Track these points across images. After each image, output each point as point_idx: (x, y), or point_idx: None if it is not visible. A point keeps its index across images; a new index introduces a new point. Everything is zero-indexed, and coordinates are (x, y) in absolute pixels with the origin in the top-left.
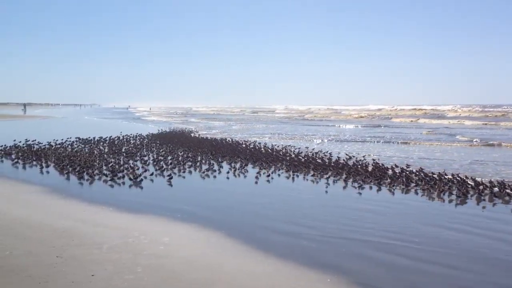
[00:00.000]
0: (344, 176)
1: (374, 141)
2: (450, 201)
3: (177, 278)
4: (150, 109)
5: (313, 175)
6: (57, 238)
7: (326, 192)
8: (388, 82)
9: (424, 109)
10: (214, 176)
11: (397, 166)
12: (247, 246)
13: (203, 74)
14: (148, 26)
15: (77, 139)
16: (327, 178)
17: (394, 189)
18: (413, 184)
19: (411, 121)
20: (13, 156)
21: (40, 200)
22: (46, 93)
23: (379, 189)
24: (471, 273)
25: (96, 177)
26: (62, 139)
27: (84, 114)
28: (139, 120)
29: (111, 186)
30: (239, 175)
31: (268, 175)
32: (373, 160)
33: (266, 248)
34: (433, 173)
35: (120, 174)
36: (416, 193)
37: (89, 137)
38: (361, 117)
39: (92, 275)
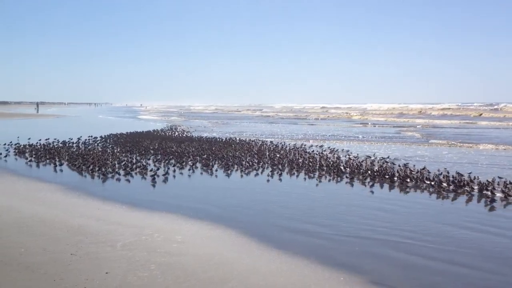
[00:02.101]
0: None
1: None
2: (465, 200)
3: (191, 276)
4: (146, 107)
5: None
6: (71, 235)
7: (338, 191)
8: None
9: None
10: (227, 175)
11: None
12: (261, 244)
13: (210, 74)
14: (160, 26)
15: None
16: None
17: (407, 188)
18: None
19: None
20: (27, 155)
21: (55, 198)
22: (59, 92)
23: (392, 188)
24: (486, 272)
25: (109, 175)
26: (71, 138)
27: (98, 113)
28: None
29: (125, 184)
30: (249, 174)
31: (280, 174)
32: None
33: (279, 246)
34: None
35: (132, 172)
36: (429, 192)
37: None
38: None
39: (107, 273)
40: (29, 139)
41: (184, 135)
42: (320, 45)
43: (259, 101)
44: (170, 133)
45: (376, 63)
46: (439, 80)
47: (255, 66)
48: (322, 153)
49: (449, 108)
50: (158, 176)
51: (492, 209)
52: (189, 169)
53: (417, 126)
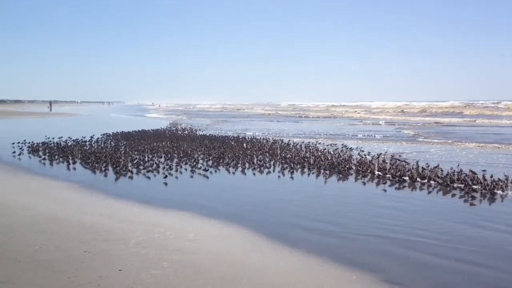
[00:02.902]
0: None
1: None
2: (474, 198)
3: (203, 274)
4: (159, 105)
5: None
6: (85, 233)
7: (349, 189)
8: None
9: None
10: (244, 173)
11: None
12: (273, 242)
13: (220, 72)
14: (171, 24)
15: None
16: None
17: (419, 187)
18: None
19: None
20: (40, 153)
21: (68, 196)
22: (72, 90)
23: (404, 186)
24: (500, 271)
25: (122, 173)
26: (84, 136)
27: (110, 112)
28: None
29: (137, 182)
30: (262, 171)
31: (292, 172)
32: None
33: (292, 245)
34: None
35: (144, 171)
36: (442, 190)
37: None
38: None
39: (120, 270)
40: (47, 137)
41: (196, 133)
42: (328, 44)
43: (267, 99)
44: (181, 133)
45: (385, 62)
46: (447, 78)
47: (265, 64)
48: (332, 152)
49: (452, 107)
50: (170, 174)
51: (505, 207)
52: (200, 167)
53: (416, 124)
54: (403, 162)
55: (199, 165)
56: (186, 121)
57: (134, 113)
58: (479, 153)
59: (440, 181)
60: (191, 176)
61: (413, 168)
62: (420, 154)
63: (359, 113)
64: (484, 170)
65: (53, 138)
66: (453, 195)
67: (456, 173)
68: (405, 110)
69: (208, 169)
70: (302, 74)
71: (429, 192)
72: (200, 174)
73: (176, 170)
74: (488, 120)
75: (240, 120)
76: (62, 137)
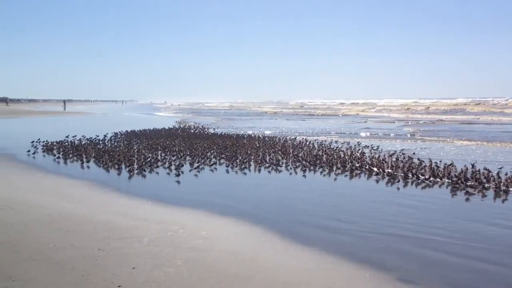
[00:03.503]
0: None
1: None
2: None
3: (216, 272)
4: (172, 104)
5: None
6: (99, 231)
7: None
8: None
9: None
10: (259, 171)
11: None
12: (286, 240)
13: (232, 70)
14: (182, 21)
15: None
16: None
17: (432, 185)
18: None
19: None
20: (54, 152)
21: (82, 194)
22: (85, 90)
23: (418, 184)
24: None
25: (135, 171)
26: (98, 135)
27: (123, 111)
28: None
29: (150, 180)
30: (277, 170)
31: (304, 170)
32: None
33: (304, 243)
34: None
35: (157, 169)
36: (455, 188)
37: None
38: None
39: (133, 268)
40: (66, 136)
41: (207, 132)
42: (338, 42)
43: (278, 98)
44: (194, 131)
45: (394, 60)
46: (456, 76)
47: (276, 63)
48: (345, 150)
49: (456, 104)
50: (183, 172)
51: None
52: (213, 166)
53: (419, 122)
54: (416, 160)
55: (211, 162)
56: (193, 120)
57: (147, 111)
58: (461, 150)
59: (455, 179)
60: (203, 174)
61: (426, 166)
62: (421, 151)
63: (365, 111)
64: (501, 167)
65: (74, 136)
66: (467, 193)
67: (467, 171)
68: (410, 108)
69: (215, 164)
70: (312, 72)
71: (443, 190)
72: (211, 171)
73: (193, 170)
74: (491, 118)
75: (247, 119)
76: (76, 135)
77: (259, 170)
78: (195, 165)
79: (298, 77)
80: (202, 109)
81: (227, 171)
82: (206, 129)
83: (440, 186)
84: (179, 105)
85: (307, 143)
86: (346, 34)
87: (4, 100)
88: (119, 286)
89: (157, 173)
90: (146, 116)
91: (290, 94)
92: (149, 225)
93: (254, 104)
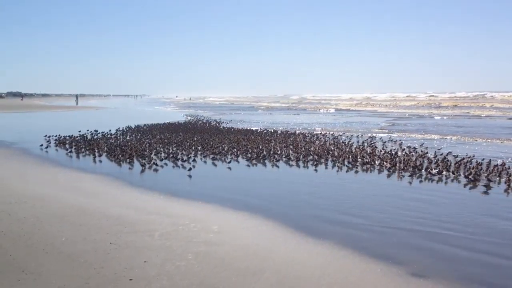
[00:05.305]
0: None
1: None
2: (503, 191)
3: (228, 266)
4: (184, 99)
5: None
6: (111, 225)
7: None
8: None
9: None
10: (271, 166)
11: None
12: (298, 235)
13: (242, 64)
14: (194, 19)
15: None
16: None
17: (444, 179)
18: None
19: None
20: (67, 146)
21: (94, 188)
22: (98, 84)
23: (430, 179)
24: None
25: (147, 165)
26: (110, 129)
27: (135, 105)
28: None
29: (162, 174)
30: (288, 164)
31: (316, 164)
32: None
33: (316, 237)
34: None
35: (169, 163)
36: (467, 182)
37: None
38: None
39: (145, 262)
40: (79, 131)
41: (220, 126)
42: (346, 37)
43: (285, 92)
44: (207, 125)
45: (402, 53)
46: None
47: (282, 57)
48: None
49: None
50: (194, 167)
51: None
52: (225, 160)
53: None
54: (428, 155)
55: (224, 158)
56: (199, 114)
57: (157, 106)
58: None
59: (468, 173)
60: (215, 168)
61: (439, 161)
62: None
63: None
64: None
65: (87, 131)
66: (479, 188)
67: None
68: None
69: (231, 161)
70: (319, 66)
71: (455, 185)
72: (225, 166)
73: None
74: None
75: (238, 114)
76: (88, 130)
77: (267, 164)
78: (192, 159)
79: (302, 73)
80: (200, 103)
81: (237, 165)
82: (221, 124)
83: (452, 180)
84: (190, 99)
85: (319, 137)
86: (355, 30)
87: (19, 95)
88: (130, 280)
89: (170, 167)
90: (159, 111)
91: (295, 89)
92: (160, 219)
93: (258, 99)
